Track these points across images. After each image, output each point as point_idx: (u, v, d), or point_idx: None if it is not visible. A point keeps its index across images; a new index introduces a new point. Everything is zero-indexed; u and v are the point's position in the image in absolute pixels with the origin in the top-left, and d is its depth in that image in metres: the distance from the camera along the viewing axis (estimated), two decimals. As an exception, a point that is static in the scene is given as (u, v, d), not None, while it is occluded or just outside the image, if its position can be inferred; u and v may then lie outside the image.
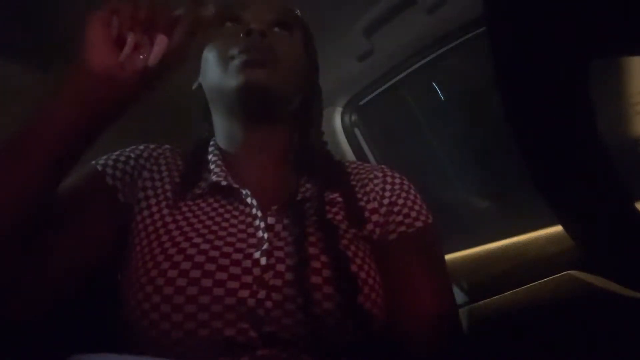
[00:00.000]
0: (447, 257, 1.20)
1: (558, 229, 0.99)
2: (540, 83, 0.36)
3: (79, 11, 0.55)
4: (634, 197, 0.38)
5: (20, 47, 1.03)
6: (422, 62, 1.27)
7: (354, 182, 0.72)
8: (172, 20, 0.56)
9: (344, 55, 1.26)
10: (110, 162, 0.68)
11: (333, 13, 1.09)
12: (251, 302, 0.55)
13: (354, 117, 1.53)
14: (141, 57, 0.53)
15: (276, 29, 0.70)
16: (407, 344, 0.62)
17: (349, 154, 1.49)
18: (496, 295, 1.02)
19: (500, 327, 0.98)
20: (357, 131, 1.53)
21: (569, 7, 0.33)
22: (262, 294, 0.55)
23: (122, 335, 0.58)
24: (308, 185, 0.67)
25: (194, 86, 0.76)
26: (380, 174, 0.73)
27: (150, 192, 0.67)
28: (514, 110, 0.38)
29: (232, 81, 0.64)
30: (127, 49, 0.53)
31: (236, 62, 0.64)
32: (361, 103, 1.49)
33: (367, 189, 0.71)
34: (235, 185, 0.65)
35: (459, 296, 1.10)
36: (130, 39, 0.53)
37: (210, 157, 0.70)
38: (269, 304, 0.55)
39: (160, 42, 0.53)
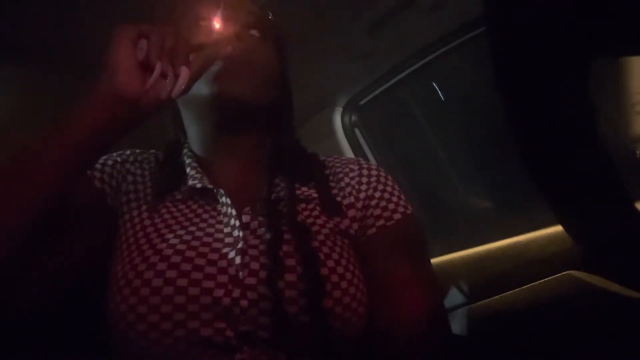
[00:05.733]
0: (447, 257, 1.21)
1: (558, 229, 0.99)
2: (540, 83, 0.36)
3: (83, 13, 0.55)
4: (634, 197, 0.38)
5: (24, 49, 1.03)
6: (422, 62, 1.28)
7: (329, 176, 0.72)
8: (192, 48, 0.57)
9: (344, 55, 1.26)
10: (98, 166, 0.68)
11: (333, 13, 1.09)
12: (226, 301, 0.55)
13: (354, 117, 1.53)
14: (167, 87, 0.54)
15: (251, 32, 0.70)
16: (392, 339, 0.62)
17: (349, 154, 1.50)
18: (496, 295, 1.02)
19: (500, 327, 0.98)
20: (357, 131, 1.53)
21: (568, 7, 0.33)
22: (236, 293, 0.55)
23: (108, 337, 0.58)
24: (282, 184, 0.68)
25: None
26: (356, 167, 0.73)
27: (132, 196, 0.68)
28: (514, 110, 0.38)
29: (206, 89, 0.64)
30: (154, 76, 0.54)
31: (211, 70, 0.64)
32: (361, 103, 1.49)
33: (343, 183, 0.71)
34: (210, 186, 0.66)
35: (459, 297, 1.10)
36: (158, 67, 0.54)
37: (185, 160, 0.71)
38: (244, 302, 0.55)
39: (185, 75, 0.55)
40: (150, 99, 0.54)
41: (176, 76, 0.55)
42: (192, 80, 0.56)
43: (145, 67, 0.55)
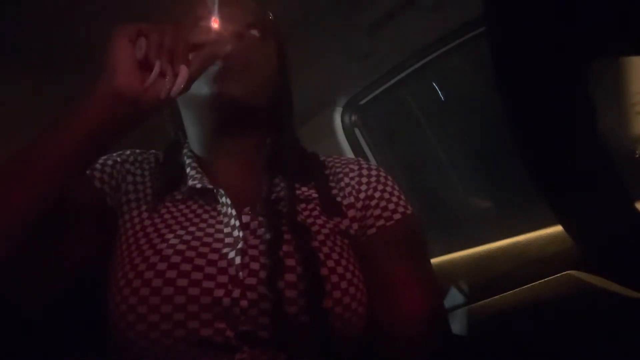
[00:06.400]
0: (447, 257, 1.21)
1: (558, 229, 0.99)
2: (540, 83, 0.36)
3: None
4: (634, 197, 0.38)
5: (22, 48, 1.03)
6: (422, 62, 1.28)
7: (329, 176, 0.72)
8: (191, 47, 0.57)
9: (344, 55, 1.26)
10: (98, 166, 0.68)
11: (333, 13, 1.09)
12: (226, 301, 0.55)
13: (354, 117, 1.53)
14: (166, 86, 0.54)
15: (252, 32, 0.69)
16: (392, 339, 0.62)
17: (349, 154, 1.50)
18: (496, 295, 1.02)
19: (500, 327, 0.98)
20: (357, 131, 1.53)
21: (569, 8, 0.33)
22: (236, 293, 0.56)
23: (108, 337, 0.59)
24: (282, 185, 0.68)
25: None
26: (356, 167, 0.73)
27: (131, 196, 0.68)
28: (514, 110, 0.38)
29: (206, 89, 0.64)
30: (154, 75, 0.54)
31: (211, 70, 0.63)
32: (361, 103, 1.49)
33: (343, 183, 0.71)
34: (210, 186, 0.65)
35: (459, 297, 1.10)
36: (157, 67, 0.54)
37: (185, 160, 0.71)
38: (244, 302, 0.55)
39: (183, 73, 0.55)
40: (150, 98, 0.54)
41: (175, 75, 0.55)
42: (192, 79, 0.56)
43: (145, 66, 0.55)
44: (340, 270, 0.60)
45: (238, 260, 0.58)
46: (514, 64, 0.36)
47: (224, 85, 0.64)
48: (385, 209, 0.68)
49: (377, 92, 1.43)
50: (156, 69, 0.54)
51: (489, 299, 1.03)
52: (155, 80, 0.54)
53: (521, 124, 0.38)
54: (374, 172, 0.72)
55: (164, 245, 0.59)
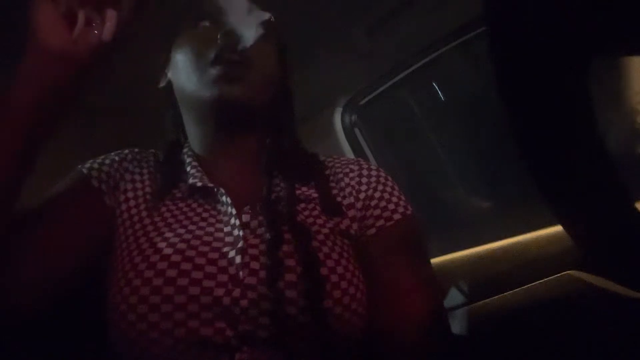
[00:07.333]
0: (447, 257, 1.20)
1: (558, 229, 0.99)
2: (540, 83, 0.36)
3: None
4: (634, 197, 0.38)
5: None
6: (422, 62, 1.28)
7: (329, 176, 0.72)
8: None
9: (344, 55, 1.26)
10: (96, 166, 0.68)
11: (333, 13, 1.09)
12: (226, 300, 0.55)
13: (354, 117, 1.53)
14: (95, 32, 0.53)
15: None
16: (392, 340, 0.62)
17: (349, 154, 1.49)
18: (496, 295, 1.02)
19: (500, 327, 0.98)
20: (357, 131, 1.53)
21: (569, 7, 0.33)
22: (236, 292, 0.56)
23: (109, 337, 0.58)
24: (282, 184, 0.68)
25: (162, 84, 0.74)
26: (356, 168, 0.73)
27: (130, 195, 0.68)
28: (514, 110, 0.38)
29: (207, 92, 0.64)
30: (79, 25, 0.53)
31: (212, 72, 0.63)
32: (361, 103, 1.49)
33: (343, 184, 0.71)
34: (210, 185, 0.65)
35: (459, 297, 1.10)
36: (81, 15, 0.53)
37: (185, 159, 0.70)
38: (244, 302, 0.55)
39: (111, 17, 0.53)
40: (81, 49, 0.53)
41: (104, 21, 0.53)
42: (123, 22, 0.55)
43: (73, 20, 0.53)
44: (340, 270, 0.60)
45: (238, 259, 0.58)
46: (514, 64, 0.36)
47: (225, 87, 0.64)
48: (385, 209, 0.68)
49: (377, 92, 1.43)
50: (81, 19, 0.53)
51: (489, 299, 1.03)
52: (84, 30, 0.53)
53: (521, 124, 0.38)
54: (374, 173, 0.72)
55: (163, 244, 0.59)
